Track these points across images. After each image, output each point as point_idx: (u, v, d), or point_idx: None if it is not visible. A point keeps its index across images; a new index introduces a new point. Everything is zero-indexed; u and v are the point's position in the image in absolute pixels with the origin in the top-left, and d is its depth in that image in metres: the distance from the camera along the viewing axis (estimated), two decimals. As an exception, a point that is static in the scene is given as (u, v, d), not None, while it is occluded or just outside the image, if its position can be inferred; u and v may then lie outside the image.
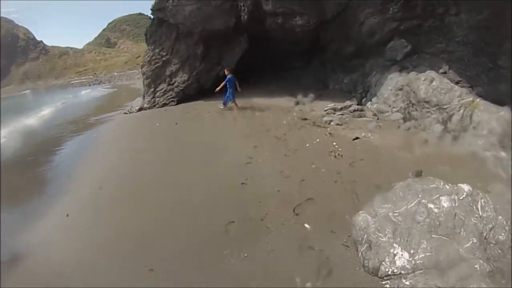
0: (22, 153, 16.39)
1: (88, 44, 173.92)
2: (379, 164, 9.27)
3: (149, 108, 22.86)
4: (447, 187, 6.24)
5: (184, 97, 22.69)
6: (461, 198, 5.94)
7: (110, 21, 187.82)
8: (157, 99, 23.25)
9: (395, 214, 6.01)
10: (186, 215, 7.85)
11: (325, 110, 14.84)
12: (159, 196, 8.95)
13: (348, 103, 15.26)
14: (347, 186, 8.17)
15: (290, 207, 7.47)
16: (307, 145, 11.16)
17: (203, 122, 16.10)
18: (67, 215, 8.70)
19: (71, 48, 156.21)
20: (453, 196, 6.00)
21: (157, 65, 23.38)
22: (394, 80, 13.97)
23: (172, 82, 23.02)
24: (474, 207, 5.80)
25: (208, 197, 8.51)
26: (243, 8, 19.72)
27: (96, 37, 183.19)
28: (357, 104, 15.37)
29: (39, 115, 31.12)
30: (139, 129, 17.12)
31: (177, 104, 22.46)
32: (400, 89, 13.33)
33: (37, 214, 9.18)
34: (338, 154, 10.07)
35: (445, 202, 5.93)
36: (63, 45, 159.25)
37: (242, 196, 8.32)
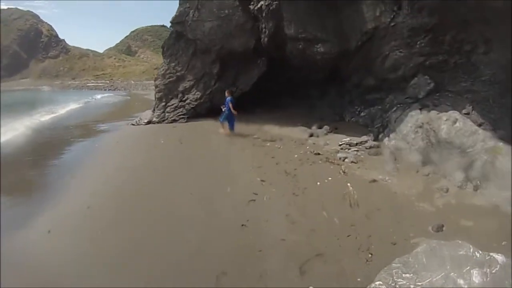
0: (23, 151, 15.97)
1: (109, 49, 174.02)
2: (397, 216, 8.28)
3: (158, 122, 22.03)
4: (478, 255, 5.28)
5: (194, 115, 21.87)
6: (493, 271, 5.02)
7: (133, 29, 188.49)
8: (167, 114, 22.42)
9: (418, 288, 5.02)
10: (174, 255, 6.92)
11: (340, 145, 13.98)
12: (148, 232, 7.93)
13: (364, 138, 14.39)
14: (362, 242, 7.17)
15: (295, 263, 6.47)
16: (318, 183, 10.17)
17: (210, 145, 15.27)
18: (49, 231, 8.01)
19: (92, 51, 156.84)
20: (485, 269, 5.04)
21: (171, 79, 22.61)
22: (414, 117, 12.97)
23: (184, 99, 22.21)
24: (507, 282, 4.87)
25: (204, 237, 7.53)
26: (264, 30, 18.90)
27: (117, 44, 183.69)
28: (374, 140, 14.44)
29: (51, 115, 30.75)
30: (142, 144, 16.42)
31: (186, 121, 21.68)
32: (420, 127, 12.35)
33: (17, 225, 8.37)
34: (354, 201, 9.03)
35: (476, 277, 4.97)
36: (84, 47, 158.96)
37: (240, 241, 7.33)
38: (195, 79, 22.13)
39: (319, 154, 13.02)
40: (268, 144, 14.95)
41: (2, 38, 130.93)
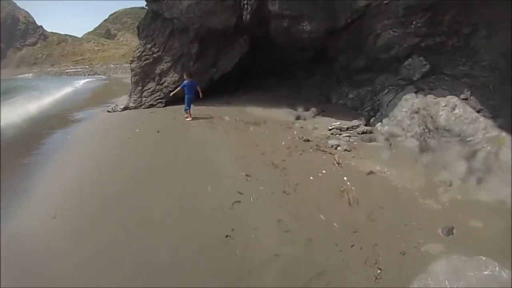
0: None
1: (88, 33, 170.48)
2: (403, 216, 7.28)
3: (134, 108, 20.69)
4: (504, 275, 5.02)
5: (173, 99, 20.09)
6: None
7: (112, 12, 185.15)
8: (143, 99, 21.01)
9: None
10: (141, 278, 5.67)
11: (330, 130, 12.84)
12: (112, 248, 6.53)
13: (355, 122, 13.26)
14: (368, 253, 6.09)
15: (293, 285, 5.33)
16: (311, 178, 8.90)
17: (189, 133, 13.74)
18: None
19: (70, 36, 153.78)
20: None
21: (147, 61, 21.10)
22: (409, 101, 12.01)
23: (161, 82, 20.74)
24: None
25: (179, 253, 6.24)
26: (246, 6, 17.50)
27: (96, 27, 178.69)
28: (365, 124, 13.36)
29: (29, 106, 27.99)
30: (117, 134, 14.81)
31: (165, 106, 20.35)
32: (416, 112, 11.37)
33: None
34: (353, 198, 7.84)
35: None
36: (62, 33, 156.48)
37: (225, 258, 6.03)
38: (172, 61, 20.67)
39: (308, 140, 11.72)
40: (251, 128, 13.68)
41: None
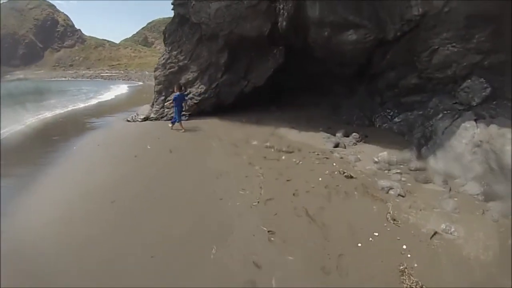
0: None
1: (126, 40, 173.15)
2: None
3: (155, 119, 18.97)
4: None
5: (198, 112, 18.59)
6: None
7: (150, 21, 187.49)
8: (166, 110, 19.24)
9: None
10: None
11: (376, 162, 10.46)
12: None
13: (406, 154, 10.89)
14: None
15: None
16: (359, 244, 6.36)
17: (208, 158, 11.49)
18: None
19: (108, 41, 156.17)
20: None
21: (172, 70, 19.40)
22: (469, 131, 9.56)
23: (186, 93, 18.63)
24: None
25: None
26: (282, 11, 15.32)
27: (134, 34, 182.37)
28: (417, 157, 10.86)
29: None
30: (124, 150, 13.01)
31: (188, 119, 18.29)
32: (478, 146, 8.95)
33: None
34: (416, 284, 5.37)
35: None
36: (100, 37, 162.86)
37: None
38: (199, 70, 18.72)
39: (351, 177, 9.30)
40: (283, 157, 11.34)
41: (18, 27, 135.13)
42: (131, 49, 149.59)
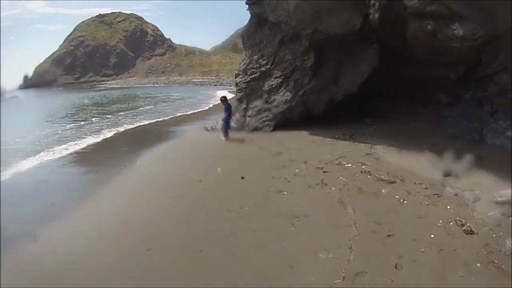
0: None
1: (215, 47, 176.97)
2: None
3: (236, 128, 17.98)
4: None
5: (283, 122, 17.38)
6: None
7: (238, 28, 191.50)
8: (248, 119, 18.36)
9: None
10: None
11: (498, 203, 7.88)
12: None
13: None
14: None
15: None
16: None
17: (287, 188, 9.76)
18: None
19: (198, 49, 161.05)
20: None
21: (253, 76, 18.48)
22: None
23: (270, 100, 17.83)
24: None
25: None
26: (373, 1, 13.73)
27: (223, 42, 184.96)
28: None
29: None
30: (190, 170, 12.17)
31: (273, 130, 17.26)
32: None
33: None
34: None
35: None
36: (190, 45, 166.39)
37: None
38: (283, 76, 17.52)
39: (471, 232, 6.90)
40: (384, 190, 9.14)
41: (108, 39, 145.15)
42: (221, 55, 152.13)
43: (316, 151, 13.08)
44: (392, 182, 9.49)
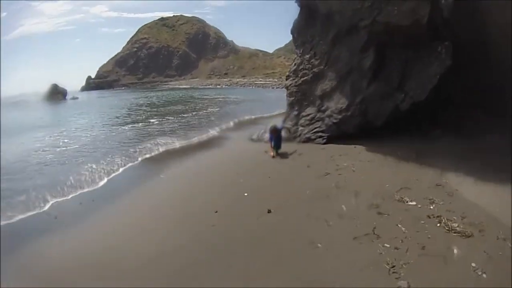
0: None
1: (278, 49, 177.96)
2: None
3: (287, 139, 15.72)
4: None
5: (338, 134, 14.88)
6: None
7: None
8: (300, 128, 16.12)
9: None
10: None
11: None
12: None
13: None
14: None
15: None
16: None
17: (325, 234, 7.17)
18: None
19: (261, 51, 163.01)
20: None
21: (305, 78, 16.23)
22: None
23: (323, 108, 15.46)
24: None
25: None
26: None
27: (286, 44, 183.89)
28: None
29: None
30: (209, 197, 10.17)
31: (325, 142, 14.93)
32: None
33: None
34: None
35: None
36: (253, 48, 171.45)
37: None
38: (338, 78, 14.91)
39: None
40: (456, 250, 6.16)
41: (171, 41, 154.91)
42: (284, 57, 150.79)
43: (372, 176, 10.41)
44: (467, 236, 6.57)
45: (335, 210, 8.10)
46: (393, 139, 13.49)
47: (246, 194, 9.82)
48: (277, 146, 14.40)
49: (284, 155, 13.98)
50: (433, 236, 6.59)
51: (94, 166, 14.46)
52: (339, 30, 14.34)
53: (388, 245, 6.38)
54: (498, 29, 9.98)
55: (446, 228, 6.79)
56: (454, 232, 6.63)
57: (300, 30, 16.43)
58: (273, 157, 14.10)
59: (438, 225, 7.03)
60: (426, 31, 12.29)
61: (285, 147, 14.86)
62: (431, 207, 7.88)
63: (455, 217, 7.24)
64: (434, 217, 7.37)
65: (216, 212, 8.68)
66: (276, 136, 14.40)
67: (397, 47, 13.27)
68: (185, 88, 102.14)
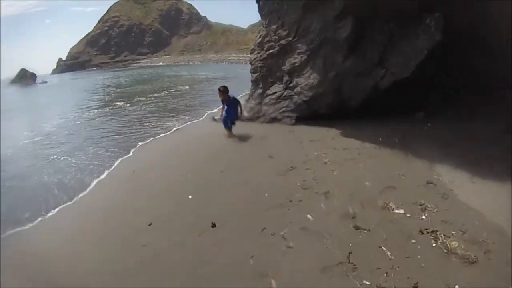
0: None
1: (253, 25, 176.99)
2: None
3: (249, 119, 14.34)
4: None
5: (308, 114, 13.07)
6: None
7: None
8: (264, 107, 14.31)
9: None
10: None
11: None
12: None
13: None
14: None
15: None
16: None
17: (283, 261, 5.22)
18: None
19: (235, 27, 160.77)
20: None
21: (271, 51, 14.19)
22: None
23: (291, 84, 13.58)
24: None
25: None
26: None
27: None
28: None
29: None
30: (151, 207, 7.97)
31: (295, 123, 13.18)
32: None
33: None
34: None
35: None
36: (227, 23, 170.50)
37: None
38: (309, 51, 12.83)
39: None
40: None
41: (143, 18, 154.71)
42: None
43: (348, 170, 8.35)
44: (471, 262, 4.72)
45: (298, 222, 6.14)
46: (371, 122, 11.74)
47: (190, 196, 7.83)
48: (231, 118, 12.68)
49: (244, 138, 12.18)
50: (428, 264, 4.69)
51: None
52: (311, -3, 12.17)
53: (368, 283, 4.46)
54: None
55: (445, 250, 4.92)
56: (455, 256, 4.77)
57: (268, -3, 14.15)
58: (229, 137, 12.56)
59: (434, 245, 5.14)
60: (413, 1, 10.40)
61: (247, 127, 13.36)
62: (423, 217, 5.95)
63: (453, 232, 5.38)
64: (428, 232, 5.46)
65: (150, 224, 6.78)
66: (228, 103, 12.72)
67: (377, 16, 11.27)
68: (154, 66, 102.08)
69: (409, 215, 6.02)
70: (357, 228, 5.74)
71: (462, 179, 7.32)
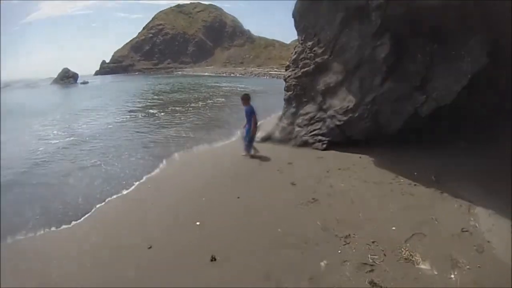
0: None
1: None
2: None
3: (280, 141, 13.58)
4: None
5: (341, 140, 12.26)
6: None
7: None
8: (296, 129, 13.40)
9: None
10: None
11: None
12: None
13: None
14: None
15: None
16: None
17: None
18: None
19: (278, 42, 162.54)
20: None
21: (306, 69, 13.39)
22: None
23: (325, 106, 12.73)
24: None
25: None
26: None
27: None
28: None
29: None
30: (152, 230, 7.41)
31: (326, 148, 12.29)
32: None
33: None
34: None
35: None
36: (269, 38, 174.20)
37: None
38: (345, 71, 11.99)
39: None
40: None
41: (187, 28, 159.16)
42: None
43: (375, 209, 7.43)
44: None
45: (309, 269, 5.37)
46: (408, 149, 10.81)
47: (198, 223, 7.19)
48: (248, 133, 12.07)
49: (270, 162, 11.55)
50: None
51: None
52: (348, 12, 11.41)
53: None
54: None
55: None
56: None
57: (303, 12, 13.37)
58: (252, 156, 12.05)
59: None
60: (458, 19, 9.30)
61: (276, 150, 12.76)
62: (452, 276, 5.07)
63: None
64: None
65: (150, 247, 6.23)
66: (248, 116, 12.16)
67: (418, 35, 10.30)
68: (196, 76, 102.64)
69: (436, 272, 5.17)
70: (373, 284, 4.92)
71: (503, 226, 6.39)
